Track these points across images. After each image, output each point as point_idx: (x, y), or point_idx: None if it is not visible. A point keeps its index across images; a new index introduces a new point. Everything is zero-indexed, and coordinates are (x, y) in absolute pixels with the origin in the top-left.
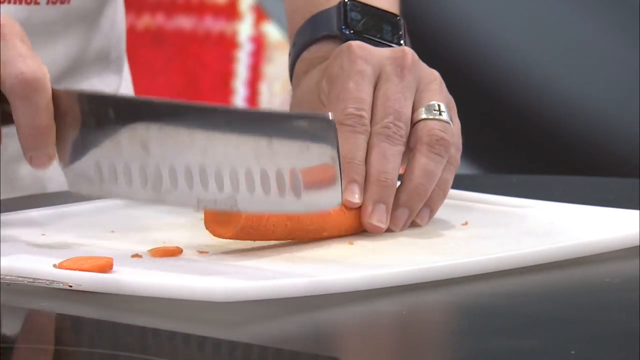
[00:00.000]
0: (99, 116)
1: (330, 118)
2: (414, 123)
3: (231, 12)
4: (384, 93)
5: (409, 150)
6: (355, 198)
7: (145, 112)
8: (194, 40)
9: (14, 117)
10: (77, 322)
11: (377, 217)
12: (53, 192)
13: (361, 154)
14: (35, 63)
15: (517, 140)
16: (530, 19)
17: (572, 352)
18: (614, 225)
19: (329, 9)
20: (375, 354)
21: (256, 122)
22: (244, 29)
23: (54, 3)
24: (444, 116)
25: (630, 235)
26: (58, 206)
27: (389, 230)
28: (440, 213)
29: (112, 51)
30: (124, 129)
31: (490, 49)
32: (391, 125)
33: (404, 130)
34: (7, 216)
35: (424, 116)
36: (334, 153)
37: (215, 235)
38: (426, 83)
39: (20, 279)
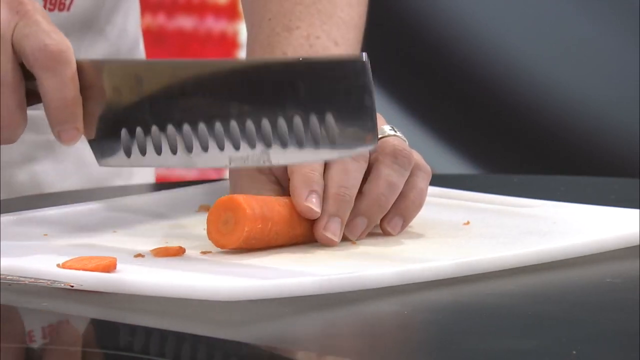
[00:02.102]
0: (125, 85)
1: (364, 59)
2: None
3: (232, 13)
4: None
5: (369, 167)
6: (315, 209)
7: (171, 76)
8: (195, 40)
9: (41, 91)
10: (79, 322)
11: (332, 230)
12: (55, 192)
13: (320, 168)
14: (59, 36)
15: (518, 140)
16: (530, 18)
17: (573, 352)
18: (615, 224)
19: None
20: (377, 353)
21: (284, 71)
22: (245, 29)
23: (51, 10)
24: (399, 134)
25: (631, 235)
26: (60, 207)
27: (345, 238)
28: (442, 213)
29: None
30: (150, 95)
31: (491, 48)
32: None
33: None
34: (9, 216)
35: (380, 135)
36: (370, 97)
37: (218, 246)
38: None
39: (21, 278)
